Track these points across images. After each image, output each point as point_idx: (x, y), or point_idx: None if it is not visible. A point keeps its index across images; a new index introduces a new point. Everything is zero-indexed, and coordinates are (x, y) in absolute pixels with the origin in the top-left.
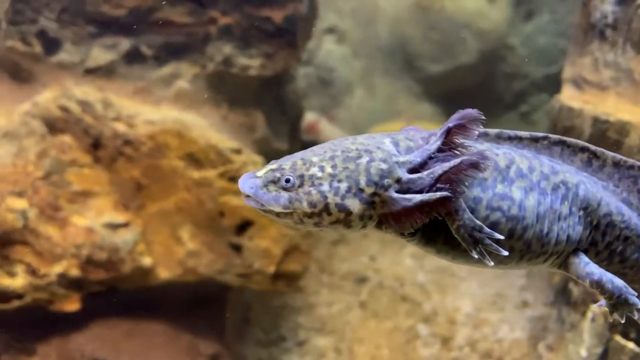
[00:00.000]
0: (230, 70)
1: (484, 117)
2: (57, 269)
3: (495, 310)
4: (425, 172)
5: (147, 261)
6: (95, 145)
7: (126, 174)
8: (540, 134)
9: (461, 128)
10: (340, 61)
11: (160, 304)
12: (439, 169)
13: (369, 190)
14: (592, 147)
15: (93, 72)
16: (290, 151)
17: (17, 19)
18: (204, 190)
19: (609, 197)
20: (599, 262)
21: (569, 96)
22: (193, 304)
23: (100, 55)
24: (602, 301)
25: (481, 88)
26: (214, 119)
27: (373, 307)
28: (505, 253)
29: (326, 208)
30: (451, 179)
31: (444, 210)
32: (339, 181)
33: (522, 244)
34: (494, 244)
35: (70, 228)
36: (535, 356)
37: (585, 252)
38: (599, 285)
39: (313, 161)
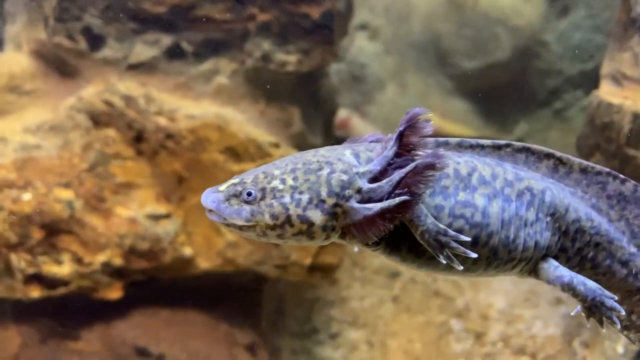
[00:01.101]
0: (268, 66)
1: (430, 113)
2: (101, 257)
3: (528, 307)
4: (385, 180)
5: (187, 251)
6: (138, 139)
7: (168, 167)
8: (503, 142)
9: (412, 129)
10: (373, 57)
11: (199, 293)
12: (396, 175)
13: (331, 201)
14: (558, 153)
15: (135, 68)
16: (327, 145)
17: (63, 16)
18: None
19: (577, 203)
20: (570, 269)
21: (607, 92)
22: (230, 294)
23: (142, 51)
24: (578, 307)
25: (514, 85)
26: (252, 114)
27: (405, 301)
28: (473, 255)
29: (288, 220)
30: (409, 184)
31: (405, 215)
32: (300, 193)
33: (488, 250)
34: (460, 247)
35: (114, 218)
36: (569, 353)
37: (556, 258)
38: (570, 287)
39: (274, 174)
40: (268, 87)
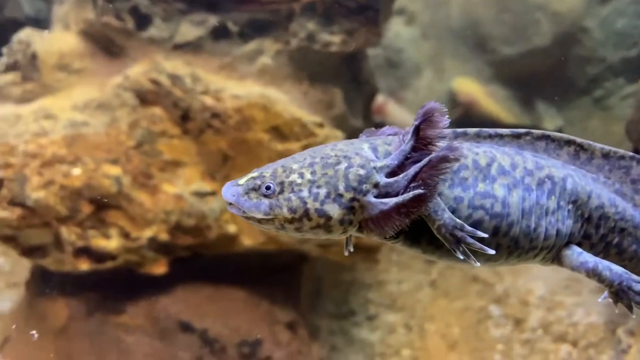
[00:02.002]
0: (313, 47)
1: (445, 109)
2: (148, 233)
3: (570, 294)
4: (401, 175)
5: (232, 229)
6: (184, 118)
7: (213, 145)
8: (522, 130)
9: (428, 122)
10: (409, 42)
11: (240, 271)
12: (412, 169)
13: (348, 196)
14: (578, 139)
15: (181, 48)
16: (366, 129)
17: None
18: None
19: (600, 189)
20: (594, 253)
21: None
22: (270, 273)
23: (188, 31)
24: (605, 294)
25: (554, 72)
26: (295, 94)
27: (443, 286)
28: (491, 251)
29: (306, 213)
30: (425, 177)
31: (419, 209)
32: (318, 187)
33: (508, 240)
34: (477, 242)
35: (160, 195)
36: (613, 341)
37: (579, 245)
38: (595, 273)
39: (293, 168)
40: (311, 68)
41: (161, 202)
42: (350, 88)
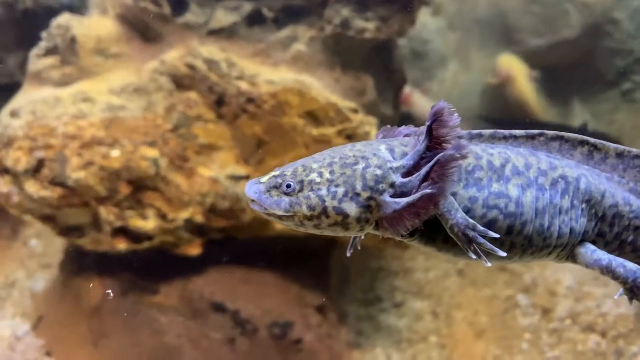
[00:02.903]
0: (347, 33)
1: (453, 107)
2: (184, 215)
3: (598, 285)
4: (415, 175)
5: None
6: (219, 103)
7: (248, 130)
8: (536, 132)
9: (440, 122)
10: (435, 34)
11: (272, 255)
12: (423, 170)
13: (365, 195)
14: (592, 140)
15: (216, 34)
16: (395, 118)
17: None
18: (322, 147)
19: (614, 189)
20: (609, 251)
21: None
22: (301, 258)
23: (223, 17)
24: (621, 291)
25: (582, 64)
26: (327, 81)
27: (471, 275)
28: (502, 253)
29: (325, 211)
30: (435, 177)
31: (429, 209)
32: (337, 186)
33: (522, 239)
34: (488, 243)
35: (196, 178)
36: None
37: (594, 243)
38: (609, 270)
39: (313, 167)
40: (344, 55)
41: (197, 185)
42: (382, 76)
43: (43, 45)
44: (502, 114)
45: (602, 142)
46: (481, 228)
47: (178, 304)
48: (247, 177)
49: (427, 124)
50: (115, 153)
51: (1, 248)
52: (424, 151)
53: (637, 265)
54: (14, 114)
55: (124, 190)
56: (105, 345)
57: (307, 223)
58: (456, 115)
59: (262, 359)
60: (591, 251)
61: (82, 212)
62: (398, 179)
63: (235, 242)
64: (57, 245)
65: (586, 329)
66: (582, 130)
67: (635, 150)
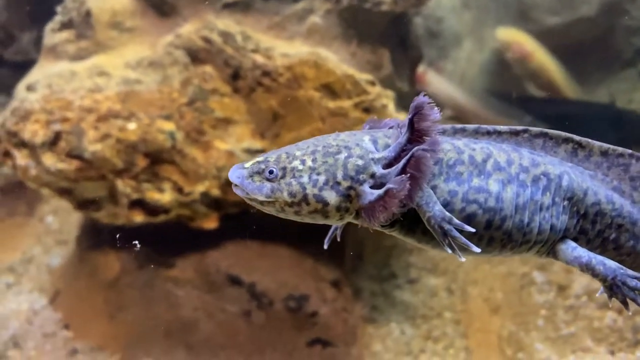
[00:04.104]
0: (363, 5)
1: (432, 101)
2: (200, 188)
3: None
4: (393, 167)
5: None
6: (234, 76)
7: (264, 103)
8: (520, 128)
9: (421, 116)
10: (450, 12)
11: (286, 230)
12: (400, 162)
13: (345, 184)
14: (577, 137)
15: (231, 7)
16: (411, 94)
17: None
18: (339, 120)
19: (596, 186)
20: (591, 248)
21: None
22: (315, 233)
23: None
24: (602, 288)
25: (599, 43)
26: (343, 55)
27: None
28: (476, 249)
29: (305, 198)
30: (410, 170)
31: (396, 202)
32: (318, 174)
33: (501, 233)
34: (462, 237)
35: (212, 151)
36: None
37: (576, 240)
38: (588, 267)
39: (296, 155)
40: (360, 28)
41: (213, 158)
42: (398, 51)
43: (58, 19)
44: (521, 91)
45: (587, 139)
46: (457, 221)
47: (194, 277)
48: (263, 151)
49: (408, 117)
50: (132, 126)
51: (18, 224)
52: (405, 143)
53: (617, 264)
54: (30, 88)
55: (141, 162)
56: (122, 318)
57: (287, 209)
58: (437, 109)
59: (278, 332)
60: (571, 248)
61: (99, 185)
62: (379, 169)
63: (251, 216)
64: (72, 222)
65: (602, 305)
66: (610, 106)
67: (619, 149)
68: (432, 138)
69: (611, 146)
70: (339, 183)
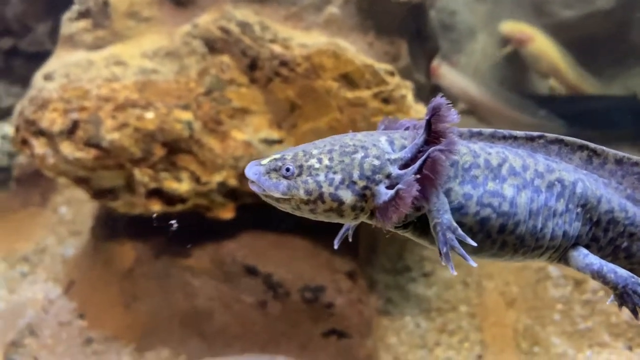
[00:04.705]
0: None
1: (450, 103)
2: (217, 178)
3: None
4: (410, 168)
5: None
6: (251, 67)
7: (281, 94)
8: (536, 133)
9: (438, 117)
10: (463, 5)
11: (302, 221)
12: (417, 163)
13: (361, 184)
14: (592, 145)
15: None
16: (427, 87)
17: None
18: (358, 110)
19: (610, 194)
20: (602, 256)
21: None
22: (330, 225)
23: None
24: (612, 296)
25: (615, 36)
26: (361, 45)
27: None
28: (473, 264)
29: (321, 197)
30: (427, 171)
31: (406, 204)
32: (334, 173)
33: (514, 238)
34: (461, 250)
35: (230, 141)
36: None
37: (587, 247)
38: (600, 274)
39: (312, 153)
40: (378, 18)
41: (230, 148)
42: (415, 42)
43: (75, 8)
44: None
45: (602, 147)
46: (461, 232)
47: (210, 267)
48: (280, 141)
49: (426, 117)
50: (149, 115)
51: (31, 215)
52: (422, 144)
53: (628, 272)
54: (48, 77)
55: (159, 151)
56: (137, 308)
57: (303, 207)
58: (454, 110)
59: (293, 322)
60: (583, 255)
61: (116, 174)
62: (394, 170)
63: (266, 207)
64: (85, 213)
65: None
66: (632, 99)
67: (634, 158)
68: (449, 139)
69: (626, 154)
70: (354, 182)
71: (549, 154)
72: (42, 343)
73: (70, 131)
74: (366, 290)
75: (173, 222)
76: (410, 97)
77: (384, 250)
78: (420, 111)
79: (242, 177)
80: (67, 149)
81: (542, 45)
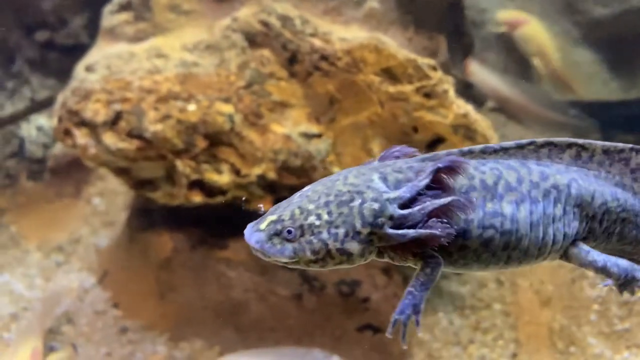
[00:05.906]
0: None
1: (469, 164)
2: (257, 170)
3: None
4: (417, 208)
5: (336, 170)
6: (291, 61)
7: (321, 88)
8: (525, 141)
9: (449, 170)
10: (494, 2)
11: None
12: (429, 205)
13: (366, 231)
14: (580, 140)
15: None
16: (463, 83)
17: None
18: (399, 105)
19: (601, 186)
20: (597, 243)
21: None
22: None
23: None
24: (608, 281)
25: None
26: (400, 40)
27: None
28: (404, 347)
29: (328, 253)
30: (440, 216)
31: (434, 245)
32: (336, 227)
33: (518, 252)
34: (405, 332)
35: (269, 134)
36: None
37: (584, 240)
38: (604, 270)
39: (310, 209)
40: (418, 13)
41: (270, 142)
42: (453, 38)
43: (116, 1)
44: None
45: (589, 141)
46: (419, 319)
47: (246, 259)
48: (319, 135)
49: (438, 165)
50: (192, 107)
51: (65, 206)
52: (423, 188)
53: (628, 262)
54: (89, 69)
55: (201, 143)
56: (172, 298)
57: (312, 265)
58: (467, 166)
59: (328, 316)
60: (584, 252)
61: (157, 165)
62: (395, 210)
63: None
64: (119, 204)
65: None
66: None
67: (620, 145)
68: (469, 198)
69: (612, 144)
70: (359, 232)
71: (540, 158)
72: (79, 331)
73: (113, 122)
74: (401, 286)
75: (260, 205)
76: (452, 92)
77: None
78: (461, 106)
79: (280, 170)
80: (110, 139)
81: (533, 29)
